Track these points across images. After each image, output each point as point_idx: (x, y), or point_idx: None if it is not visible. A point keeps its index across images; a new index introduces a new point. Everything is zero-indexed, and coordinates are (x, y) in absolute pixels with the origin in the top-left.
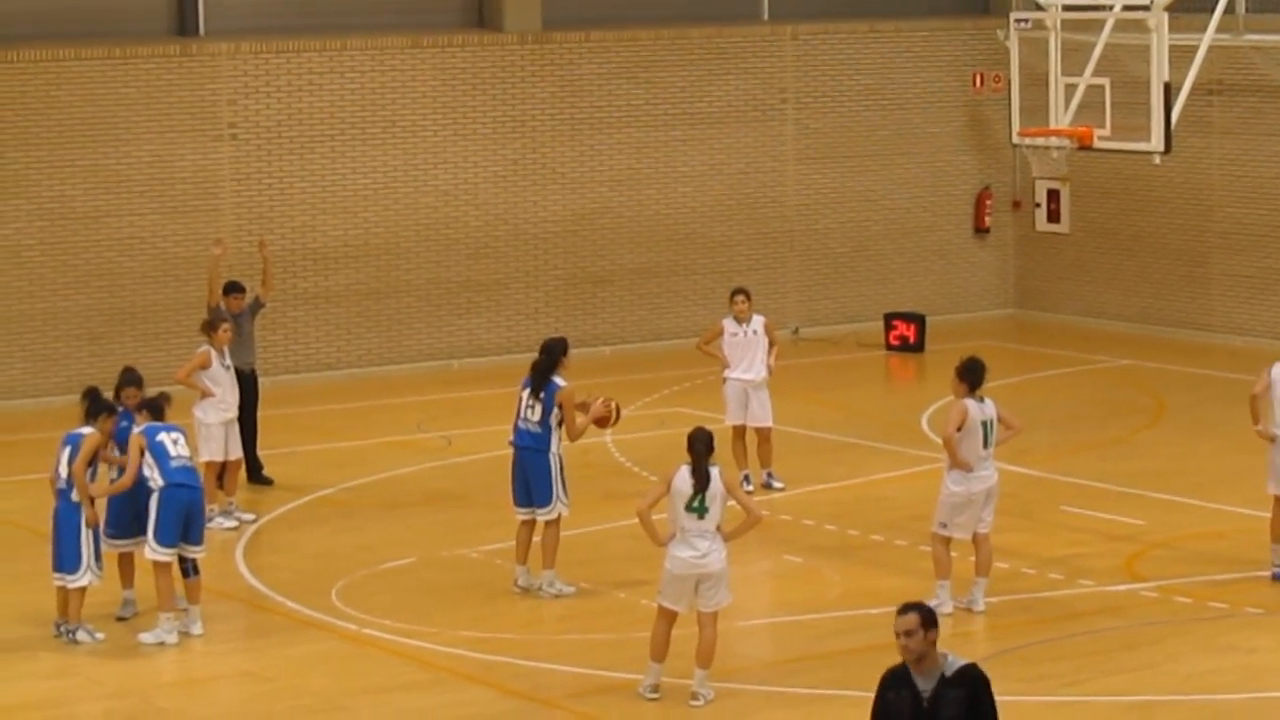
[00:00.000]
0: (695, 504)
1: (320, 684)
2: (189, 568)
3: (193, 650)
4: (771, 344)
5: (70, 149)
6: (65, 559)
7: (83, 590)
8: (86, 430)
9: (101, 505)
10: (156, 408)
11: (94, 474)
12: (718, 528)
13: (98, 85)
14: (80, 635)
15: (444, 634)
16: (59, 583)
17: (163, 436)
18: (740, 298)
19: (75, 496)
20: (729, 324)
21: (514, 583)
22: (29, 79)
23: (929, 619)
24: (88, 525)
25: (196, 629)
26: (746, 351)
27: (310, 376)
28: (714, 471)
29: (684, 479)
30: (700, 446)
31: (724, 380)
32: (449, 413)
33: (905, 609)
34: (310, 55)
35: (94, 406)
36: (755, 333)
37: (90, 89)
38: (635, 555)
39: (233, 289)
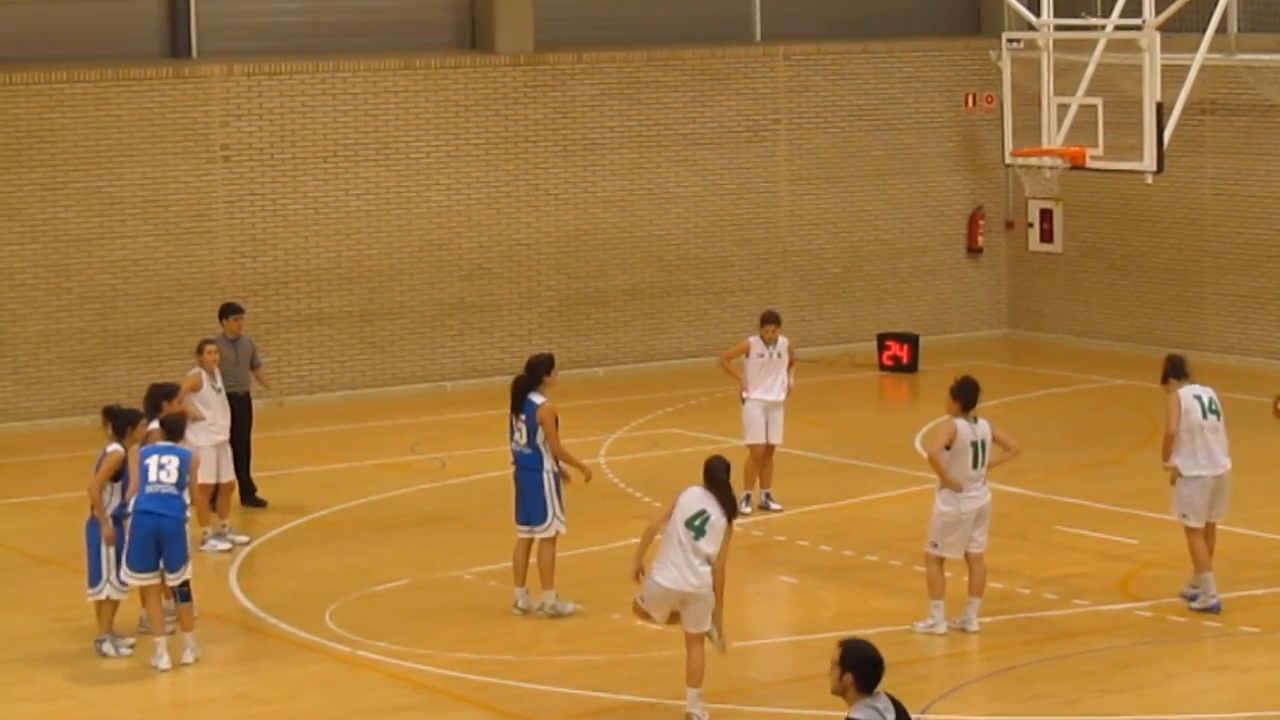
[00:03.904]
0: (696, 522)
1: (314, 706)
2: (177, 593)
3: (186, 673)
4: (790, 363)
5: (63, 171)
6: (89, 573)
7: (112, 604)
8: (111, 448)
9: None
10: (172, 428)
11: (118, 490)
12: (708, 559)
13: (90, 108)
14: (105, 648)
15: (439, 656)
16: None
17: (151, 459)
18: (771, 328)
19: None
20: (756, 343)
21: (514, 605)
22: (22, 101)
23: (847, 659)
24: (106, 543)
25: (188, 656)
26: (770, 372)
27: (304, 399)
28: (703, 492)
29: (692, 495)
30: (721, 474)
31: (744, 400)
32: (442, 434)
33: (842, 640)
34: (303, 77)
35: (119, 422)
36: (780, 355)
37: (83, 111)
38: (629, 577)
39: (230, 311)
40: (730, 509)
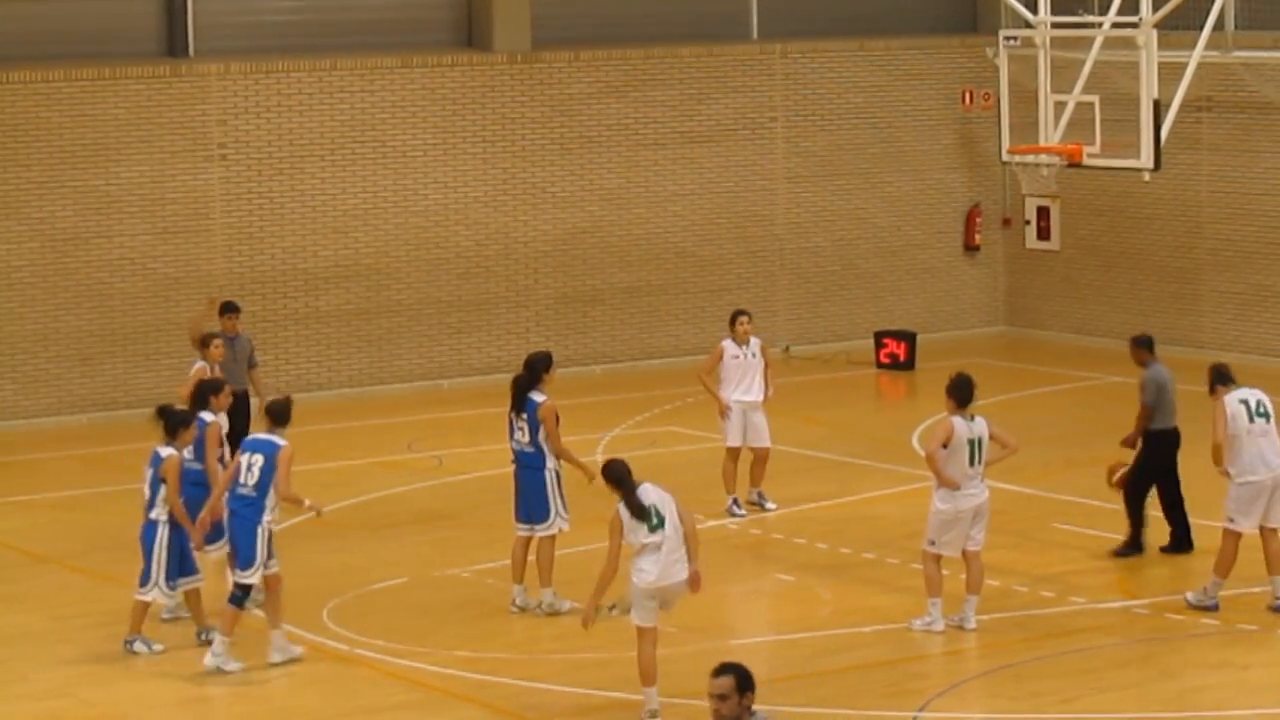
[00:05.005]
0: (653, 523)
1: (312, 704)
2: (231, 595)
3: (184, 671)
4: (766, 365)
5: (60, 170)
6: (142, 573)
7: (145, 605)
8: (166, 452)
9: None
10: (278, 415)
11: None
12: (683, 553)
13: (88, 106)
14: (137, 646)
15: (436, 654)
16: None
17: (244, 457)
18: (744, 319)
19: (154, 515)
20: (729, 346)
21: (511, 603)
22: (19, 100)
23: (745, 682)
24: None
25: (210, 660)
26: (746, 373)
27: (301, 396)
28: (645, 486)
29: (628, 518)
30: (630, 477)
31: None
32: (439, 432)
33: (721, 670)
34: (300, 75)
35: (171, 423)
36: (754, 355)
37: (80, 110)
38: (624, 575)
39: (227, 309)
40: (639, 512)
